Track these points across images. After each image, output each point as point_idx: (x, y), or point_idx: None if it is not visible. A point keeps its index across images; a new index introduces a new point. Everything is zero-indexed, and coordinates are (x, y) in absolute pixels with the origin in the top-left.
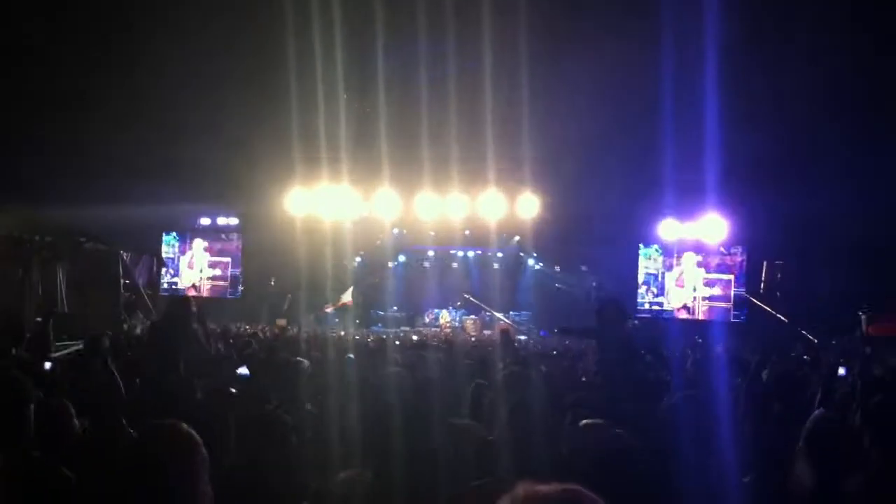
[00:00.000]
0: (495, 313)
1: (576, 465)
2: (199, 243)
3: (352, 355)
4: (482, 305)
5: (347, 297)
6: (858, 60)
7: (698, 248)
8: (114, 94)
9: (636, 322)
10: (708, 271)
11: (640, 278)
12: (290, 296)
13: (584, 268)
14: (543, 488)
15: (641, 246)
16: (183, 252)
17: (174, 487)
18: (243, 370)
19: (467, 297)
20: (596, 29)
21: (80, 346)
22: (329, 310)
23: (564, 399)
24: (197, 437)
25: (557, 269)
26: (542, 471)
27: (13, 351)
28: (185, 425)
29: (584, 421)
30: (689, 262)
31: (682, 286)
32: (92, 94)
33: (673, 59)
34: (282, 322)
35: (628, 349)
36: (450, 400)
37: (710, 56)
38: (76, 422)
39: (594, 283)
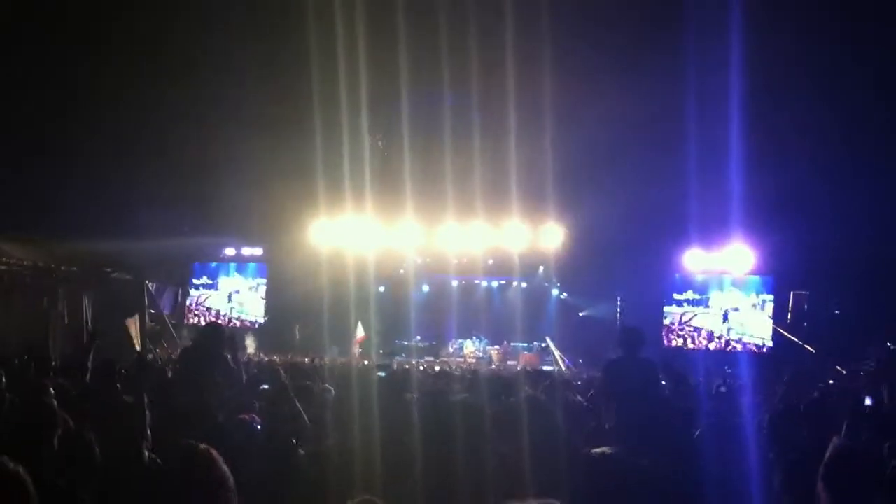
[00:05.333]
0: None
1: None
2: (225, 280)
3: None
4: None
5: (361, 333)
6: (885, 92)
7: (722, 285)
8: (141, 130)
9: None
10: (740, 310)
11: (667, 320)
12: (297, 325)
13: (619, 299)
14: None
15: (675, 295)
16: (214, 286)
17: None
18: (265, 386)
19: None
20: (620, 60)
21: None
22: (356, 349)
23: (587, 427)
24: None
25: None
26: (558, 493)
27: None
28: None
29: (596, 450)
30: (718, 302)
31: (717, 318)
32: (119, 129)
33: (698, 89)
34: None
35: (649, 375)
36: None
37: (736, 86)
38: (97, 450)
39: (619, 303)
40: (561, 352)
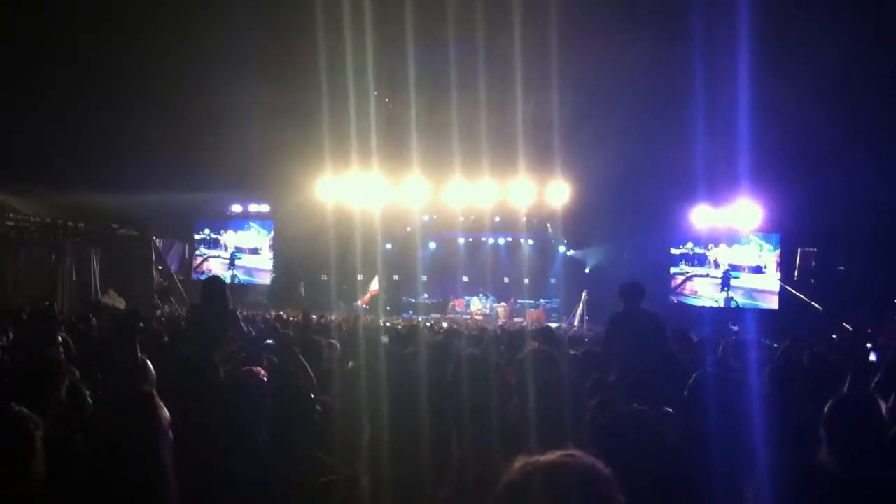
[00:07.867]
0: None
1: (602, 444)
2: (230, 235)
3: (385, 338)
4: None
5: (375, 286)
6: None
7: (732, 239)
8: (147, 85)
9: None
10: (744, 269)
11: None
12: (302, 283)
13: (625, 256)
14: (542, 457)
15: (672, 249)
16: (217, 244)
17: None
18: (270, 341)
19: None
20: (627, 15)
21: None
22: (363, 304)
23: (593, 379)
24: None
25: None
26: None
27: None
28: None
29: (621, 409)
30: (723, 257)
31: (715, 283)
32: (126, 85)
33: (706, 44)
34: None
35: (652, 327)
36: (480, 378)
37: (744, 40)
38: (90, 402)
39: (625, 259)
40: (579, 308)
